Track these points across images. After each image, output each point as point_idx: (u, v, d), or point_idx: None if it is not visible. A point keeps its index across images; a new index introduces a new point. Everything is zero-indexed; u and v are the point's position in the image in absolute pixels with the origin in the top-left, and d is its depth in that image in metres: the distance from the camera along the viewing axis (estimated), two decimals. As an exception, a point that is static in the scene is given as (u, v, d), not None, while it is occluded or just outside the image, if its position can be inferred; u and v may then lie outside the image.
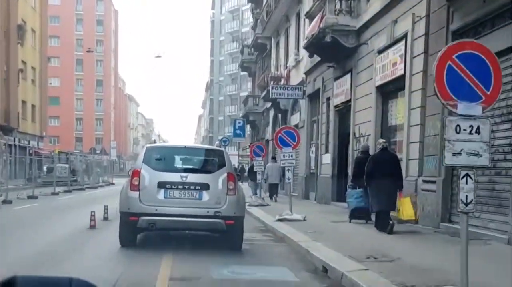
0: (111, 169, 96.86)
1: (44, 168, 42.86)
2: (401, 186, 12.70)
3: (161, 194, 9.99)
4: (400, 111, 15.23)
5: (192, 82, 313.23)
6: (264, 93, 30.53)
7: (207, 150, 12.79)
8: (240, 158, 71.15)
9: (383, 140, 13.56)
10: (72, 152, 52.67)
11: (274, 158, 28.41)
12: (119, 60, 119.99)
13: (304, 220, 15.00)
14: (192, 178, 10.14)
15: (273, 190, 27.20)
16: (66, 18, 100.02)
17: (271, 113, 35.34)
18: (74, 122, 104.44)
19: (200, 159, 11.44)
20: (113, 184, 49.58)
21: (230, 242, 10.47)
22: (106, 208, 15.45)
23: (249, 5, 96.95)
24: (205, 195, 10.05)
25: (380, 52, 15.88)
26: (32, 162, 41.76)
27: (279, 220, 14.93)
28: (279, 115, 32.45)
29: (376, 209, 12.74)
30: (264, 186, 35.29)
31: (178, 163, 10.98)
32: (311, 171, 24.62)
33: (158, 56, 69.85)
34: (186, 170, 10.46)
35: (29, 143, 51.05)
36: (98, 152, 53.99)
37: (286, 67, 29.82)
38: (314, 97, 24.40)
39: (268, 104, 35.55)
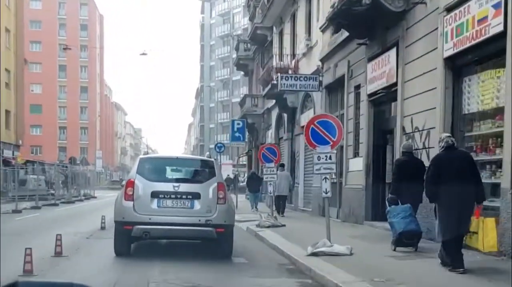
0: (94, 180, 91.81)
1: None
2: (483, 197, 8.56)
3: (154, 204, 10.27)
4: (487, 90, 10.51)
5: (182, 90, 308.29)
6: (267, 89, 25.72)
7: (198, 160, 13.21)
8: (234, 169, 66.72)
9: (448, 134, 9.13)
10: (45, 162, 47.10)
11: (282, 165, 23.75)
12: (105, 66, 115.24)
13: (351, 254, 10.17)
14: (184, 187, 10.42)
15: (280, 203, 22.53)
16: (48, 22, 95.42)
17: (274, 113, 30.56)
18: (57, 131, 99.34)
19: (192, 169, 11.66)
20: (94, 197, 44.68)
21: (220, 251, 10.67)
22: (103, 218, 16.02)
23: (240, 8, 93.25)
24: (197, 204, 10.32)
25: (450, 9, 11.15)
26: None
27: (314, 254, 10.10)
28: (285, 115, 27.69)
29: (448, 236, 8.45)
30: (267, 198, 30.65)
31: (171, 173, 11.25)
32: (332, 181, 19.88)
33: (144, 54, 65.07)
34: (178, 180, 10.75)
35: (2, 153, 45.96)
36: (78, 162, 48.71)
37: (294, 56, 25.08)
38: (334, 88, 19.66)
39: (271, 103, 30.78)
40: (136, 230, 10.11)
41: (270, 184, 18.46)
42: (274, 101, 29.81)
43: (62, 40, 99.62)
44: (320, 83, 20.35)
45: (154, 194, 10.28)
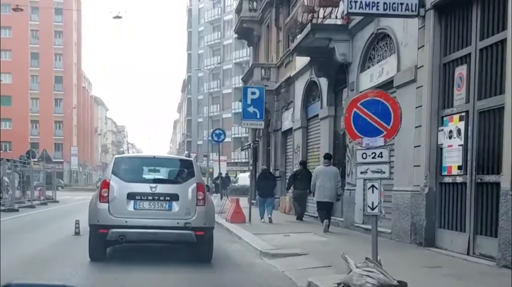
0: (71, 180, 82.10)
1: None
2: None
3: (130, 206, 9.96)
4: None
5: (167, 84, 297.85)
6: (303, 34, 16.38)
7: (176, 160, 12.78)
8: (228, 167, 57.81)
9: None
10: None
11: (328, 157, 15.00)
12: (84, 58, 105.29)
13: None
14: (161, 188, 10.11)
15: (324, 212, 15.30)
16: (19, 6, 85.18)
17: (301, 83, 21.43)
18: (29, 125, 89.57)
19: (169, 170, 11.30)
20: (56, 202, 35.36)
21: (200, 254, 10.39)
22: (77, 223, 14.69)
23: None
24: (175, 206, 10.04)
25: None
26: None
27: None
28: (322, 82, 18.59)
29: None
30: (286, 203, 21.99)
31: (147, 174, 10.91)
32: (443, 181, 10.83)
33: (118, 17, 54.93)
34: (155, 181, 10.38)
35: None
36: (36, 159, 39.00)
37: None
38: (455, 8, 10.50)
39: (293, 69, 21.70)
40: (111, 233, 9.77)
41: (373, 188, 8.02)
42: (301, 66, 20.73)
43: (34, 26, 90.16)
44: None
45: (130, 196, 9.96)
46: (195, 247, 10.35)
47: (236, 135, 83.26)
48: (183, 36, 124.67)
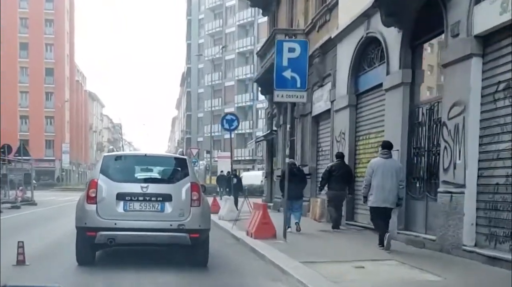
0: (63, 179, 76.26)
1: None
2: None
3: (120, 207, 9.36)
4: None
5: (165, 81, 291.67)
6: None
7: (169, 158, 12.02)
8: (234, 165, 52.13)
9: None
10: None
11: (389, 147, 9.43)
12: (78, 51, 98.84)
13: None
14: (153, 188, 9.52)
15: (383, 222, 11.03)
16: (6, -9, 79.50)
17: (348, 44, 15.69)
18: (18, 120, 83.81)
19: (162, 168, 10.67)
20: (34, 204, 29.68)
21: (195, 258, 9.78)
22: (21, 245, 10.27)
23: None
24: (168, 207, 9.45)
25: None
26: None
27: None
28: (389, 36, 12.90)
29: None
30: (317, 207, 17.14)
31: (138, 173, 10.25)
32: None
33: None
34: (147, 180, 9.75)
35: None
36: (13, 155, 33.02)
37: None
38: None
39: (341, 24, 16.03)
40: (100, 236, 9.21)
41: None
42: (347, 22, 15.05)
43: (23, 14, 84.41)
44: None
45: (120, 196, 9.37)
46: (189, 250, 9.77)
47: (240, 131, 77.47)
48: (182, 26, 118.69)
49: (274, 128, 24.71)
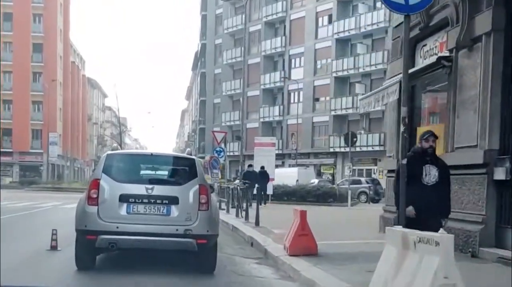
0: (50, 176, 62.64)
1: None
2: None
3: (123, 209, 8.97)
4: None
5: (176, 72, 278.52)
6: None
7: (176, 158, 11.30)
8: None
9: None
10: None
11: None
12: (80, 40, 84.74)
13: None
14: (159, 190, 9.12)
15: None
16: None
17: None
18: (0, 105, 70.12)
19: (169, 169, 10.37)
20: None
21: (202, 264, 9.44)
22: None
23: None
24: (174, 210, 9.06)
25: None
26: None
27: None
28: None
29: None
30: None
31: (143, 173, 10.01)
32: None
33: None
34: (152, 181, 9.37)
35: None
36: None
37: None
38: None
39: None
40: (100, 240, 8.78)
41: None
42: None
43: (6, -22, 70.71)
44: None
45: (123, 198, 8.96)
46: (196, 256, 9.34)
47: (266, 119, 63.35)
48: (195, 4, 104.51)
49: (445, 53, 10.60)
